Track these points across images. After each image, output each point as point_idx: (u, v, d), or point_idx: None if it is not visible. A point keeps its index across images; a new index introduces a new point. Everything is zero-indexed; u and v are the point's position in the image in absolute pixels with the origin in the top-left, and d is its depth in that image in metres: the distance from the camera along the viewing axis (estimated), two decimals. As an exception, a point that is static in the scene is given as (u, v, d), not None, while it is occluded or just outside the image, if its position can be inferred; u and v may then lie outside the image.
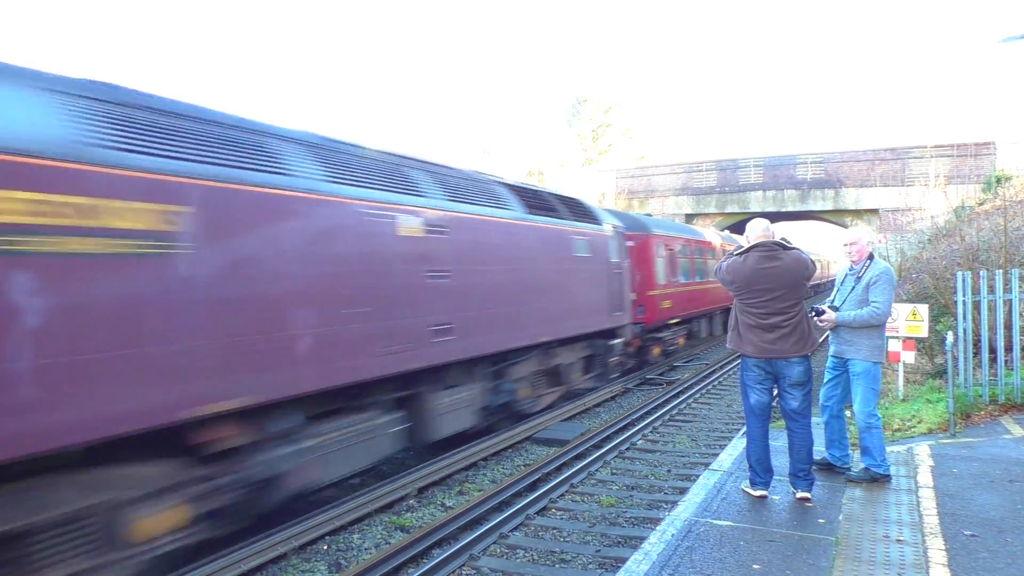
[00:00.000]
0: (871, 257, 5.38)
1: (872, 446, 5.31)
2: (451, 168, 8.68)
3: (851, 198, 26.15)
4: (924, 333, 8.40)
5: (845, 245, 5.54)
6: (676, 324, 16.82)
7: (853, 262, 5.46)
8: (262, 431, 5.31)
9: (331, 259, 5.80)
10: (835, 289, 5.63)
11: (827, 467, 5.64)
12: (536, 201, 9.97)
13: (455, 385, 7.85)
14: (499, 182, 9.60)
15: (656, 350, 15.46)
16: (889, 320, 5.85)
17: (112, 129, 4.35)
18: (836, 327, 5.36)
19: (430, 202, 7.26)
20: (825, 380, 5.64)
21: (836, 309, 5.36)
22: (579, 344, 11.08)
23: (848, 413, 5.68)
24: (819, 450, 5.58)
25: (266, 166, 5.37)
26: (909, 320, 8.16)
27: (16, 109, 3.86)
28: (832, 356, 5.54)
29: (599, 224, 11.74)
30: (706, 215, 28.77)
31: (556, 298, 9.86)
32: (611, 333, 12.07)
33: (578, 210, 11.33)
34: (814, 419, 5.27)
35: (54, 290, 3.81)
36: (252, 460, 5.26)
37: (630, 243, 13.53)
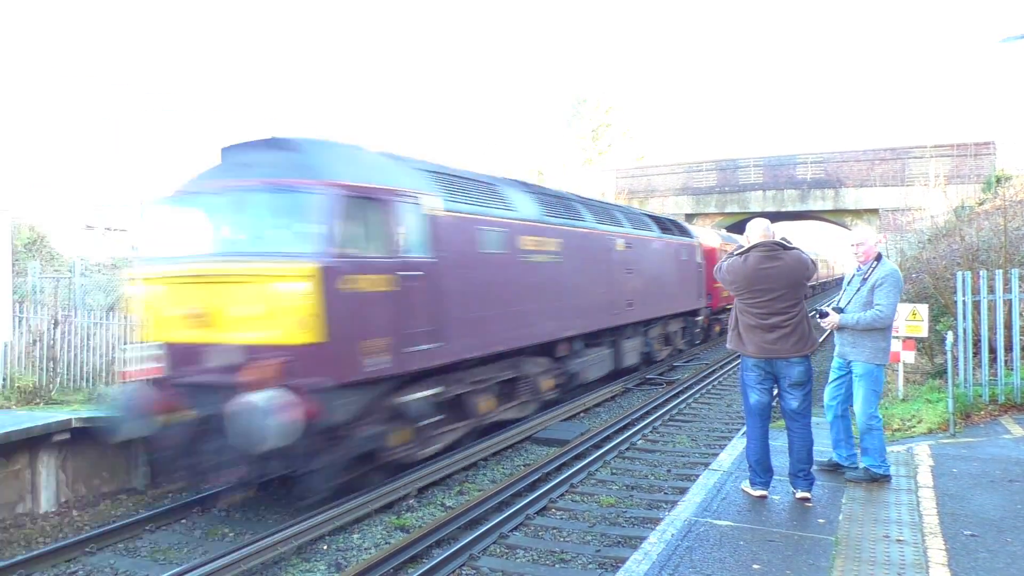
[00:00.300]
0: (879, 258, 5.33)
1: (872, 447, 5.31)
2: (629, 207, 17.02)
3: (851, 198, 26.13)
4: (924, 333, 8.39)
5: (852, 245, 5.49)
6: (729, 309, 22.53)
7: (860, 263, 5.43)
8: (571, 348, 10.98)
9: (596, 262, 11.67)
10: (842, 289, 5.61)
11: (835, 468, 5.61)
12: (661, 224, 16.55)
13: (630, 337, 13.66)
14: (646, 214, 16.57)
15: (716, 327, 20.88)
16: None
17: (545, 206, 10.35)
18: (840, 328, 5.33)
19: (625, 230, 13.41)
20: (829, 380, 5.63)
21: (840, 310, 5.32)
22: (679, 318, 17.07)
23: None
24: (822, 450, 5.58)
25: (577, 217, 11.47)
26: (909, 320, 8.15)
27: (528, 201, 9.90)
28: (836, 356, 5.53)
29: (691, 237, 18.20)
30: (706, 215, 28.76)
31: (671, 286, 15.84)
32: (695, 312, 18.24)
33: (681, 228, 18.20)
34: (816, 419, 5.26)
35: (534, 276, 9.45)
36: (569, 362, 10.94)
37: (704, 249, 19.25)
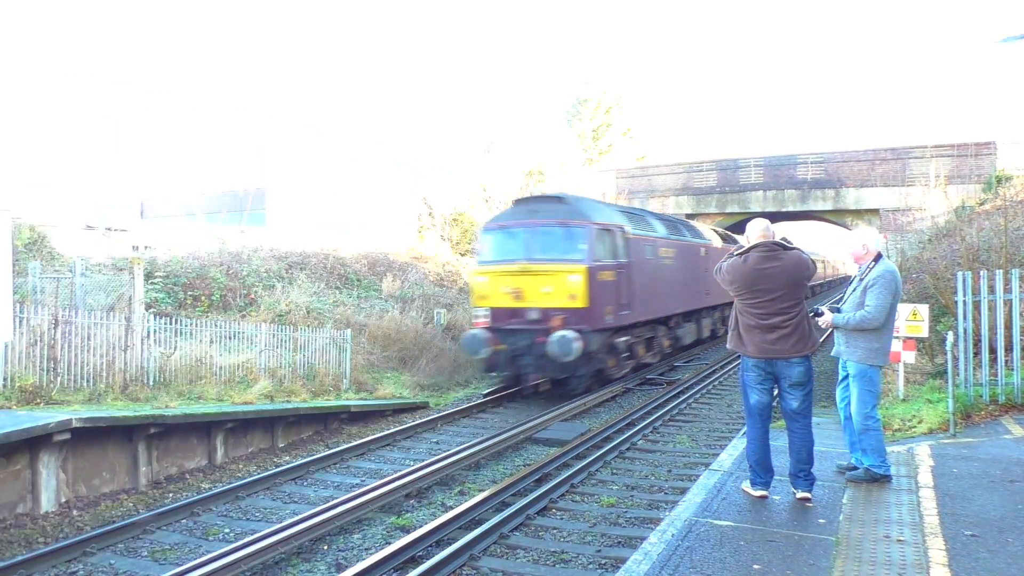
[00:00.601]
0: (877, 258, 5.32)
1: (871, 447, 5.30)
2: (706, 226, 21.65)
3: (851, 198, 26.10)
4: (924, 333, 8.38)
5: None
6: None
7: (857, 263, 5.45)
8: (677, 320, 16.52)
9: (690, 264, 17.10)
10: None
11: (855, 470, 5.59)
12: (723, 236, 21.75)
13: (705, 317, 18.84)
14: (714, 228, 22.44)
15: None
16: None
17: (667, 227, 16.47)
18: (836, 328, 5.35)
19: (704, 241, 18.84)
20: (838, 381, 5.63)
21: (838, 310, 5.33)
22: (732, 305, 21.27)
23: None
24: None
25: (681, 234, 17.29)
26: (909, 320, 8.14)
27: (660, 225, 16.10)
28: (835, 356, 5.54)
29: (736, 243, 22.26)
30: (706, 215, 28.74)
31: None
32: None
33: (728, 236, 22.62)
34: (816, 419, 5.25)
35: (663, 273, 15.10)
36: (675, 330, 16.36)
37: None
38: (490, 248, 12.67)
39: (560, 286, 11.55)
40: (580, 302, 11.44)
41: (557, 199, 12.86)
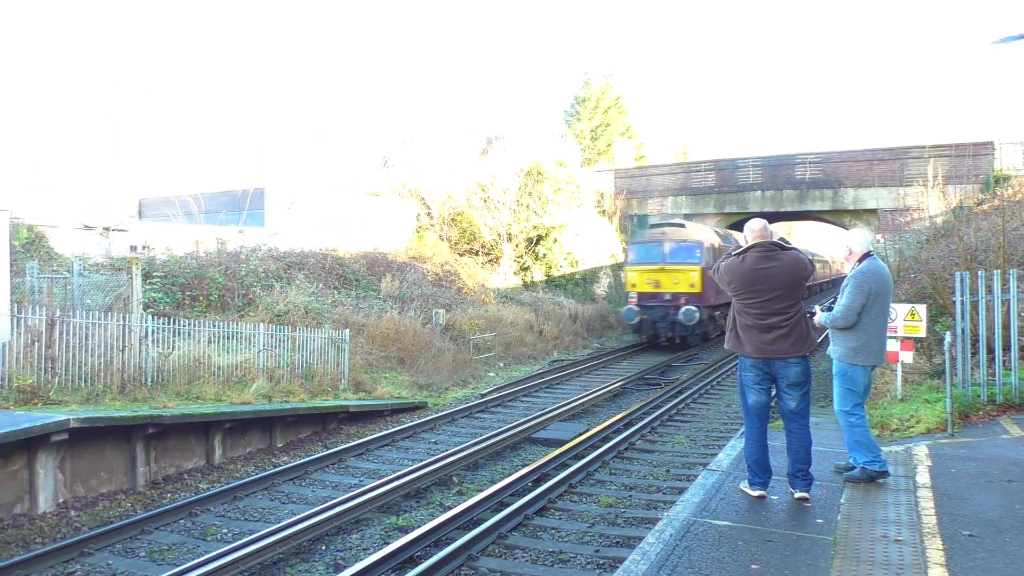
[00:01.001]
0: (864, 259, 5.31)
1: (857, 443, 5.30)
2: (730, 231, 26.25)
3: (849, 198, 26.12)
4: (922, 333, 8.38)
5: None
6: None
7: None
8: (721, 310, 21.20)
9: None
10: None
11: (853, 470, 5.59)
12: (725, 235, 24.07)
13: None
14: (730, 234, 25.17)
15: None
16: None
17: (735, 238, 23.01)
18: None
19: (731, 245, 21.01)
20: None
21: (830, 309, 5.37)
22: None
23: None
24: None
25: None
26: (907, 320, 8.15)
27: (732, 236, 23.80)
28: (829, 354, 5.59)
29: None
30: (705, 215, 28.75)
31: None
32: None
33: (733, 238, 25.19)
34: (814, 419, 5.26)
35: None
36: (710, 317, 20.69)
37: None
38: (637, 254, 20.55)
39: (684, 279, 19.27)
40: (696, 289, 19.05)
41: (680, 225, 20.82)
